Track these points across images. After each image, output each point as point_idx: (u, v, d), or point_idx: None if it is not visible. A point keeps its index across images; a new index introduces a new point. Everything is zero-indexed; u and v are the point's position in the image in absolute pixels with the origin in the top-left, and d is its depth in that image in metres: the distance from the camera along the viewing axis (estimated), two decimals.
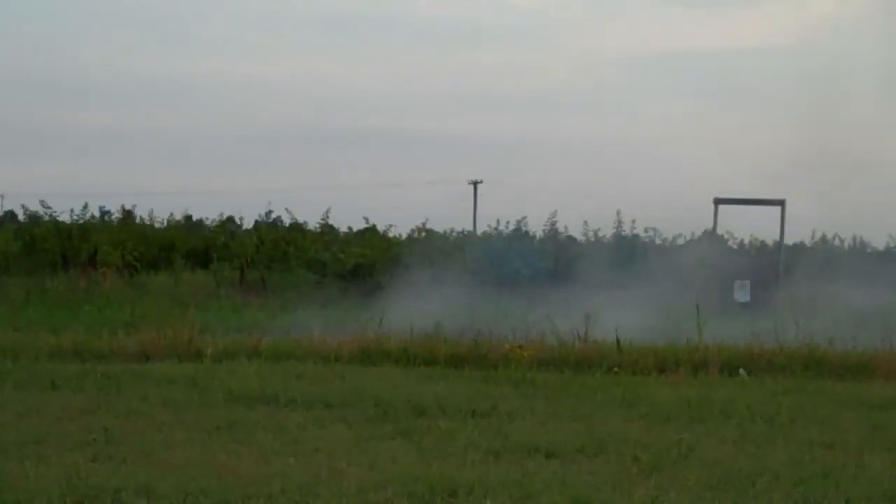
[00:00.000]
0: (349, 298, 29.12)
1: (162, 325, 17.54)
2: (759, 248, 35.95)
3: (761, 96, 58.88)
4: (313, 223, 37.51)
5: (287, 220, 37.86)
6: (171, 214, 39.19)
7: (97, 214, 36.73)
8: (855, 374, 16.19)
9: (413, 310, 20.56)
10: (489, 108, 79.11)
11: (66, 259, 33.81)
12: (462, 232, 39.75)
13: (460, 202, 56.27)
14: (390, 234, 37.35)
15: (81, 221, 35.46)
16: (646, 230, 35.58)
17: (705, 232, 33.90)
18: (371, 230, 37.46)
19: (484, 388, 13.95)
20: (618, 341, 16.92)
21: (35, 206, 36.43)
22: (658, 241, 35.53)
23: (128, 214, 37.77)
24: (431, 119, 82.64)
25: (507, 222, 36.29)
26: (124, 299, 27.49)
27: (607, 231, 35.77)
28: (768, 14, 68.68)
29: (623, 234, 35.46)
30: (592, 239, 35.86)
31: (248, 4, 79.32)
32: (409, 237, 36.50)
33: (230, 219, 39.56)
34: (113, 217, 37.30)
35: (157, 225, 38.11)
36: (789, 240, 33.02)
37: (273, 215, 38.20)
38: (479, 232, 40.76)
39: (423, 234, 36.11)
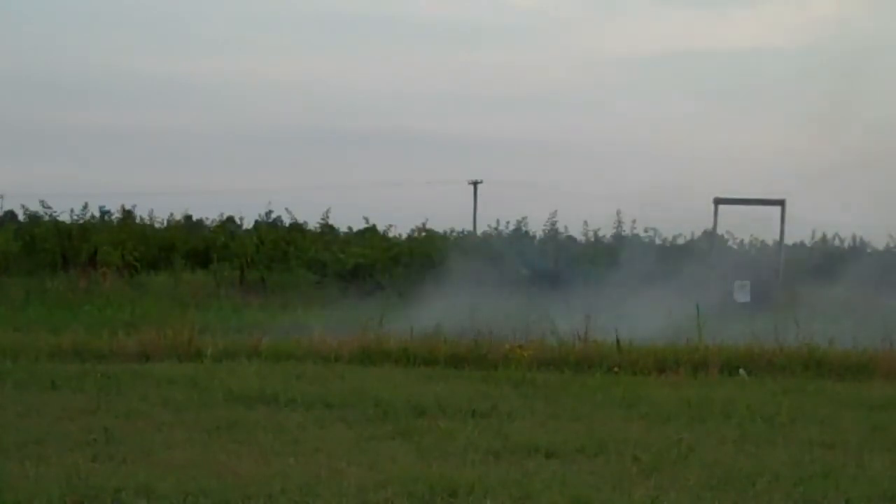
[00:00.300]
0: (349, 298, 29.10)
1: (162, 326, 17.52)
2: (759, 248, 35.92)
3: (761, 96, 58.90)
4: (313, 223, 37.58)
5: (287, 220, 37.88)
6: (171, 214, 39.20)
7: (97, 214, 36.76)
8: (855, 374, 16.18)
9: (413, 310, 20.55)
10: (489, 108, 78.91)
11: (66, 259, 33.77)
12: (462, 232, 39.79)
13: (460, 202, 56.15)
14: (390, 235, 37.37)
15: (81, 221, 35.44)
16: (646, 230, 35.62)
17: (705, 232, 33.90)
18: (371, 230, 37.44)
19: (484, 388, 13.95)
20: (618, 341, 16.91)
21: (35, 206, 36.45)
22: (658, 241, 35.53)
23: (128, 214, 37.75)
24: (431, 119, 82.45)
25: (507, 222, 36.36)
26: (124, 299, 27.47)
27: (607, 231, 35.83)
28: (768, 14, 68.71)
29: (623, 234, 35.47)
30: (592, 239, 35.89)
31: (248, 4, 79.21)
32: (409, 237, 36.49)
33: (230, 219, 39.50)
34: (113, 217, 37.30)
35: (157, 225, 38.10)
36: (789, 240, 33.01)
37: (273, 215, 38.22)
38: (479, 232, 40.78)
39: (423, 234, 36.10)
